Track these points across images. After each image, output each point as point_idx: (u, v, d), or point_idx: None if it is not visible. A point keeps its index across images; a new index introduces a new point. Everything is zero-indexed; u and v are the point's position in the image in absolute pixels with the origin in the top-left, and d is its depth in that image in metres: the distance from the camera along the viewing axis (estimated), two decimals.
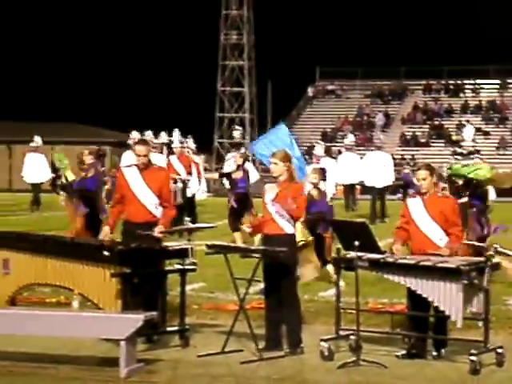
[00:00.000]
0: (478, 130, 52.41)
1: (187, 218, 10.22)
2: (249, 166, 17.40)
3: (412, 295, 8.63)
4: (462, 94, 57.69)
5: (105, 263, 8.81)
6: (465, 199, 13.35)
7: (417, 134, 54.05)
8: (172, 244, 9.55)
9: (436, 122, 55.08)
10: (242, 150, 17.66)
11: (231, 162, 17.75)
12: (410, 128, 54.96)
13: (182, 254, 9.19)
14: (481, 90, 57.84)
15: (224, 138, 61.98)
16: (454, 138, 51.43)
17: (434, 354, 8.72)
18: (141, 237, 9.37)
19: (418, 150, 51.65)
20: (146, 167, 9.75)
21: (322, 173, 13.23)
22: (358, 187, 29.35)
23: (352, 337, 8.68)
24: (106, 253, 8.80)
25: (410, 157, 48.64)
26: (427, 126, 54.99)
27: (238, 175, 17.51)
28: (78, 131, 53.25)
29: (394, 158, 27.28)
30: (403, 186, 27.39)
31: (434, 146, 52.70)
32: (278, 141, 11.29)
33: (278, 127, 11.76)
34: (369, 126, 55.30)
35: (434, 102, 57.26)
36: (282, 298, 8.96)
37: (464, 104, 56.20)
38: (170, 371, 8.27)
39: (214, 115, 63.96)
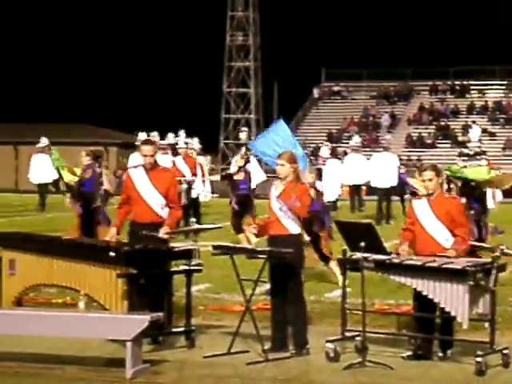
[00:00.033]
0: (483, 130, 52.26)
1: (193, 219, 10.21)
2: (255, 166, 17.25)
3: (418, 296, 8.62)
4: (468, 95, 57.59)
5: (111, 264, 8.83)
6: (463, 200, 13.33)
7: (423, 134, 53.98)
8: (178, 245, 9.56)
9: (442, 123, 55.00)
10: (242, 150, 17.48)
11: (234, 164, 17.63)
12: (416, 129, 54.90)
13: (187, 254, 9.19)
14: (487, 91, 57.74)
15: (230, 139, 62.02)
16: (460, 138, 51.29)
17: (440, 355, 8.71)
18: (146, 238, 9.38)
19: (424, 151, 51.58)
20: (152, 168, 9.74)
21: (319, 173, 13.31)
22: (363, 188, 29.33)
23: (358, 338, 8.67)
24: (112, 254, 8.82)
25: (416, 158, 48.58)
26: (433, 127, 54.92)
27: (240, 177, 17.36)
28: (86, 132, 53.29)
29: (400, 159, 27.25)
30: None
31: (440, 147, 52.62)
32: (280, 139, 11.21)
33: (277, 124, 11.60)
34: (375, 127, 55.25)
35: (440, 102, 57.17)
36: (287, 298, 8.96)
37: (470, 105, 56.11)
38: (175, 372, 8.28)
39: (219, 116, 64.03)
